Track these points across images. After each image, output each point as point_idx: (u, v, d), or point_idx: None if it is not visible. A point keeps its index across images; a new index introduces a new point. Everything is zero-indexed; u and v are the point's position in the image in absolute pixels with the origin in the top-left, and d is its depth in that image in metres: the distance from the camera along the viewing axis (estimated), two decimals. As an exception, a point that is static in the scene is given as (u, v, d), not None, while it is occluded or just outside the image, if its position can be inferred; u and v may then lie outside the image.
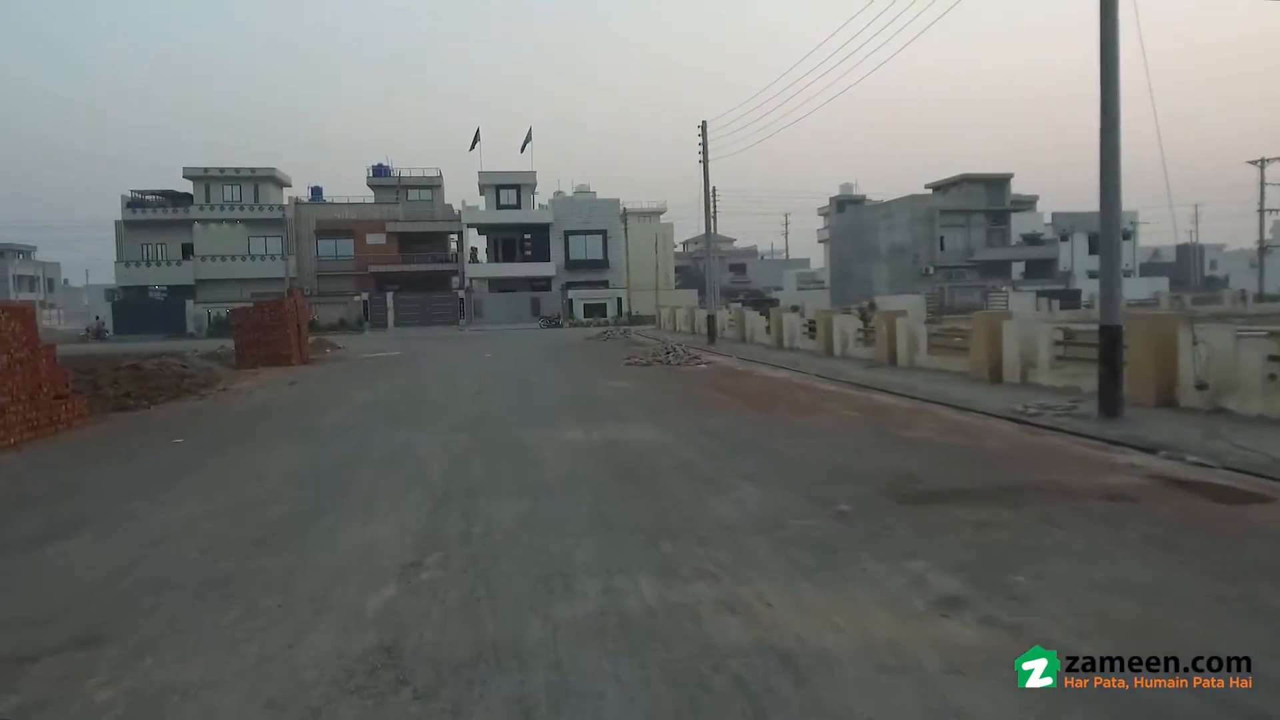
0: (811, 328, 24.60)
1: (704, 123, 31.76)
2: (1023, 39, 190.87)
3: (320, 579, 5.12)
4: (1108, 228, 10.28)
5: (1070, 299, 49.70)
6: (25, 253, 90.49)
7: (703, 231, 35.71)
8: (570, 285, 60.16)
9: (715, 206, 33.90)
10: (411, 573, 5.20)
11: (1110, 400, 10.22)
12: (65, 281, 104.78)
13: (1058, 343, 13.54)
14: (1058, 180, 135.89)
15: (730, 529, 5.99)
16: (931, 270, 58.81)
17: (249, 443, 10.91)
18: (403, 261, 60.29)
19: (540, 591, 4.78)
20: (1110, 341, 10.22)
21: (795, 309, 29.70)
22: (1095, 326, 16.77)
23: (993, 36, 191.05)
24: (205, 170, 60.33)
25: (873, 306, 30.83)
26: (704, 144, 31.88)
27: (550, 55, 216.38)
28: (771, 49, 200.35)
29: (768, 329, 28.33)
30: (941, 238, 60.16)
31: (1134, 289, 58.48)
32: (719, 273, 44.49)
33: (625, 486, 7.55)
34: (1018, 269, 62.78)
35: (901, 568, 5.04)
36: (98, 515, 7.03)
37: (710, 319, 32.28)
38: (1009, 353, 14.06)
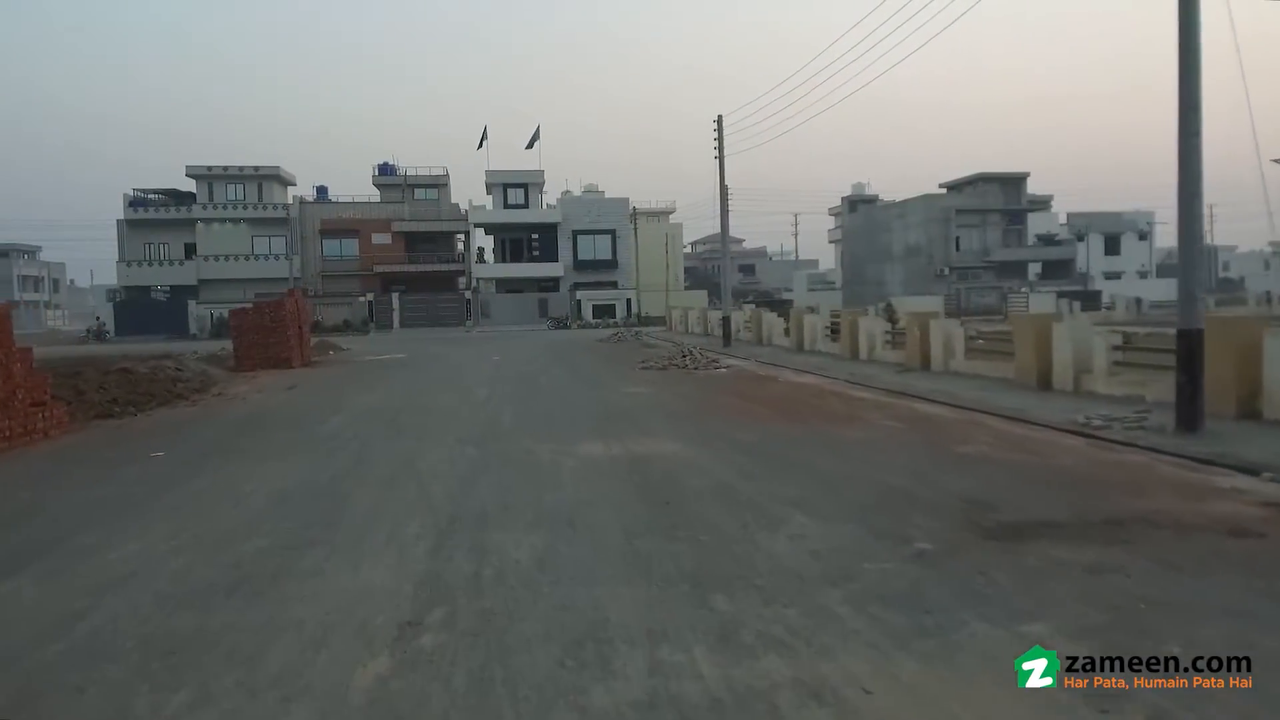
0: (834, 330, 23.56)
1: (719, 117, 30.74)
2: (1032, 39, 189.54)
3: (295, 645, 4.13)
4: (1188, 221, 9.24)
5: (1090, 300, 48.55)
6: (30, 253, 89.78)
7: (712, 232, 34.69)
8: (578, 286, 59.10)
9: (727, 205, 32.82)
10: (409, 636, 4.22)
11: (1189, 412, 9.19)
12: (71, 282, 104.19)
13: (1115, 347, 12.49)
14: (1070, 181, 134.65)
15: (793, 576, 4.99)
16: (946, 271, 57.55)
17: (235, 456, 9.93)
18: (408, 262, 59.26)
19: (569, 668, 3.79)
20: (1190, 347, 9.18)
21: (812, 310, 28.66)
22: (1139, 330, 15.78)
23: (1004, 35, 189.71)
24: (209, 169, 59.37)
25: (889, 308, 29.84)
26: (719, 139, 30.85)
27: (558, 54, 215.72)
28: (784, 49, 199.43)
29: (786, 331, 27.30)
30: (957, 238, 58.80)
31: (1152, 290, 57.25)
32: (729, 273, 43.27)
33: (657, 515, 6.55)
34: (1034, 270, 61.52)
35: (1018, 634, 4.04)
36: (48, 547, 6.07)
37: (725, 320, 31.23)
38: (1060, 358, 13.01)
